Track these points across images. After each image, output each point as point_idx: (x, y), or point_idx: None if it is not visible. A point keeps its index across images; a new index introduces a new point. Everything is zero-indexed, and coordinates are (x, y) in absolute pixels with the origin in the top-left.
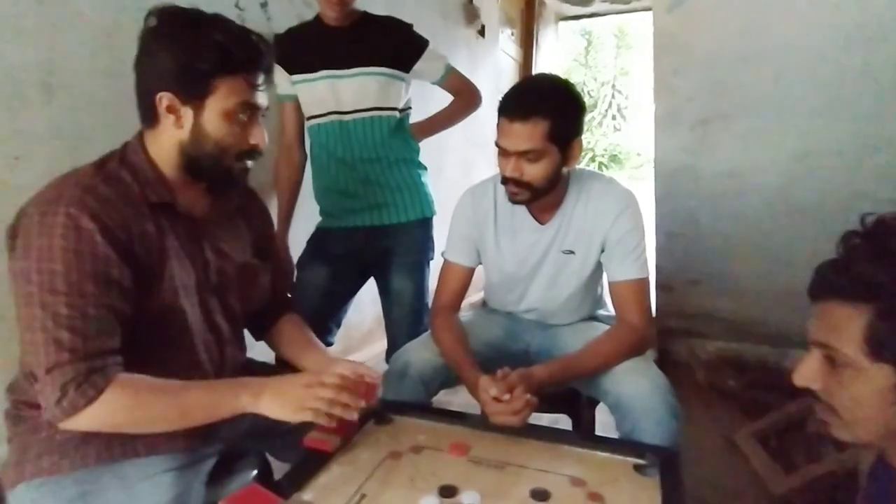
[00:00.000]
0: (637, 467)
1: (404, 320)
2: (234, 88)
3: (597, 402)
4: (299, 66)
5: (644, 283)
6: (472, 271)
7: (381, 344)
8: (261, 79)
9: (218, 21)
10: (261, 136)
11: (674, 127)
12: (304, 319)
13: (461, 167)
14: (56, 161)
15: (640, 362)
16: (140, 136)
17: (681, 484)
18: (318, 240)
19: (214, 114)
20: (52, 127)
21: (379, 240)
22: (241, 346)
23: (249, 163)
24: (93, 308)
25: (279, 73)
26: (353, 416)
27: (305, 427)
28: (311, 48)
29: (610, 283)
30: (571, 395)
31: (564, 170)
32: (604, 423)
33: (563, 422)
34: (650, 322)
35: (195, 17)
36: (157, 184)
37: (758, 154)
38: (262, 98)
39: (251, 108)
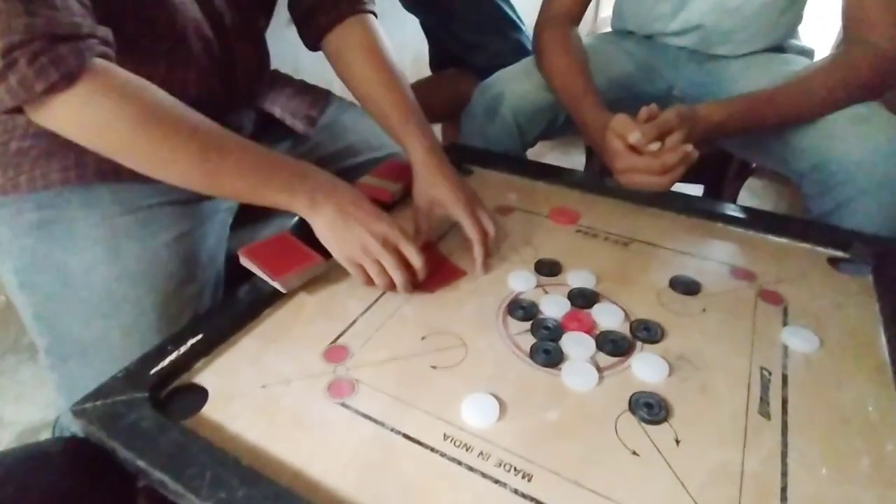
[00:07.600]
0: (834, 261)
1: None
2: None
3: (749, 173)
4: None
5: None
6: None
7: None
8: None
9: None
10: None
11: None
12: None
13: None
14: None
15: (873, 109)
16: None
17: None
18: None
19: None
20: None
21: None
22: (259, 46)
23: None
24: None
25: None
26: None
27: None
28: None
29: None
30: (717, 157)
31: None
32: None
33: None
34: None
35: None
36: None
37: None
38: None
39: None
